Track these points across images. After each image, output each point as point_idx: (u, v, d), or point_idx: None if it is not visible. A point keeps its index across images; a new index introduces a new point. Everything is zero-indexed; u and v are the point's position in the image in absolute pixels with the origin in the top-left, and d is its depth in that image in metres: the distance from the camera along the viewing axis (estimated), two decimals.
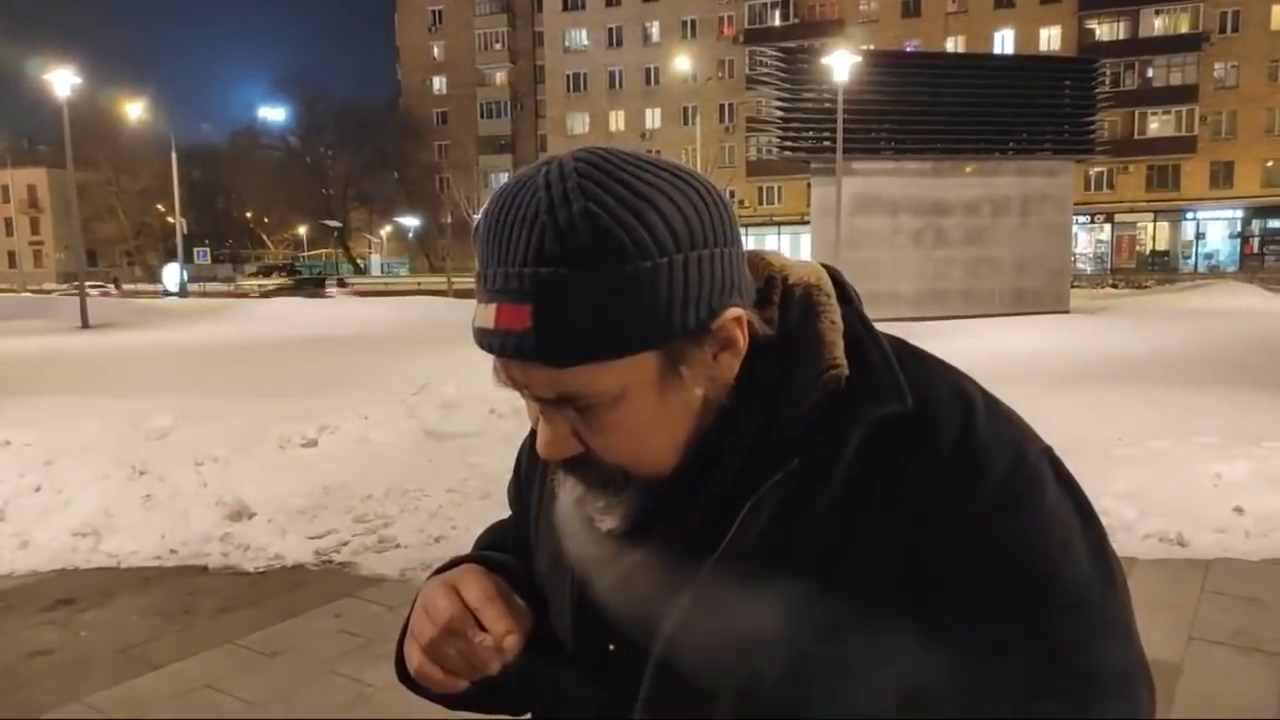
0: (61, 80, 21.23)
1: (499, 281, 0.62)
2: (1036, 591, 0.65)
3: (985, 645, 0.64)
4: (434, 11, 67.20)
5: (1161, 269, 44.81)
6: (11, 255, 68.24)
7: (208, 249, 53.03)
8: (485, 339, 0.64)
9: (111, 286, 43.30)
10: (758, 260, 0.73)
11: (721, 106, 52.34)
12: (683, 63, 45.42)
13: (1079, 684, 0.65)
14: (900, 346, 0.73)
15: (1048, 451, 0.70)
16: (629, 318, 0.61)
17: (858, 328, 0.71)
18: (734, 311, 0.65)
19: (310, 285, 42.74)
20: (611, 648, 0.74)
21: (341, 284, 47.06)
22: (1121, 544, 4.47)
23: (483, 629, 0.73)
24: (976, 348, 11.56)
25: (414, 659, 0.76)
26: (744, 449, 0.68)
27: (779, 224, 49.36)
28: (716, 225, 0.64)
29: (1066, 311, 18.91)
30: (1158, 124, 46.40)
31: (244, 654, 3.69)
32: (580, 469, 0.69)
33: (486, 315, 0.63)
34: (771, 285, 0.71)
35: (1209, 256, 46.48)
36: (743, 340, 0.66)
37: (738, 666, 0.66)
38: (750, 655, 0.66)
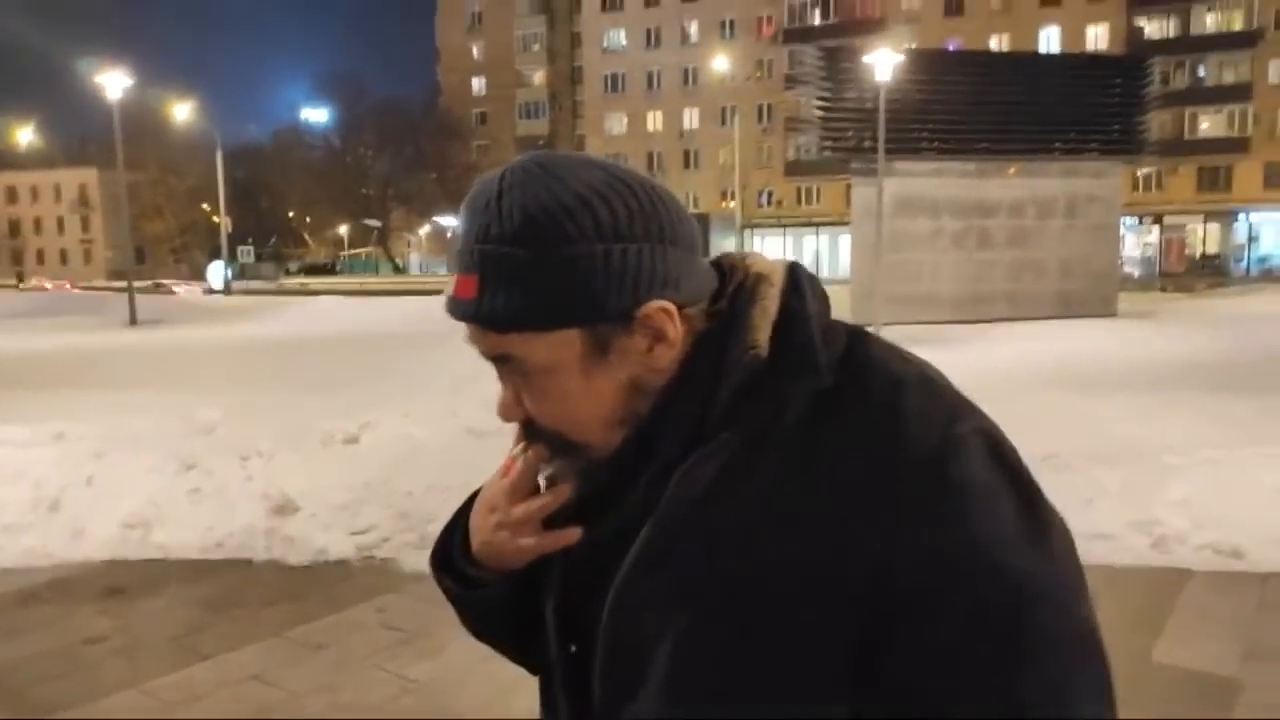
0: (113, 82, 21.75)
1: (460, 258, 0.72)
2: (956, 554, 0.65)
3: (902, 615, 0.64)
4: (473, 13, 67.81)
5: (1212, 272, 43.70)
6: (63, 253, 70.22)
7: (252, 247, 53.85)
8: (448, 305, 0.73)
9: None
10: (735, 261, 0.78)
11: (760, 107, 52.05)
12: (721, 63, 45.27)
13: (1001, 645, 0.64)
14: (852, 333, 0.76)
15: (985, 431, 0.71)
16: (554, 295, 0.68)
17: (794, 314, 0.73)
18: (659, 304, 0.70)
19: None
20: (573, 649, 0.79)
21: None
22: (1175, 555, 4.37)
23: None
24: (1019, 352, 11.39)
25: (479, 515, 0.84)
26: (680, 432, 0.72)
27: (818, 225, 48.99)
28: (650, 224, 0.70)
29: (1114, 315, 18.51)
30: (1209, 124, 45.27)
31: (289, 646, 3.75)
32: (533, 435, 0.77)
33: (451, 286, 0.73)
34: (733, 281, 0.76)
35: (1263, 260, 45.25)
36: (674, 333, 0.71)
37: (665, 644, 0.70)
38: (672, 634, 0.69)
